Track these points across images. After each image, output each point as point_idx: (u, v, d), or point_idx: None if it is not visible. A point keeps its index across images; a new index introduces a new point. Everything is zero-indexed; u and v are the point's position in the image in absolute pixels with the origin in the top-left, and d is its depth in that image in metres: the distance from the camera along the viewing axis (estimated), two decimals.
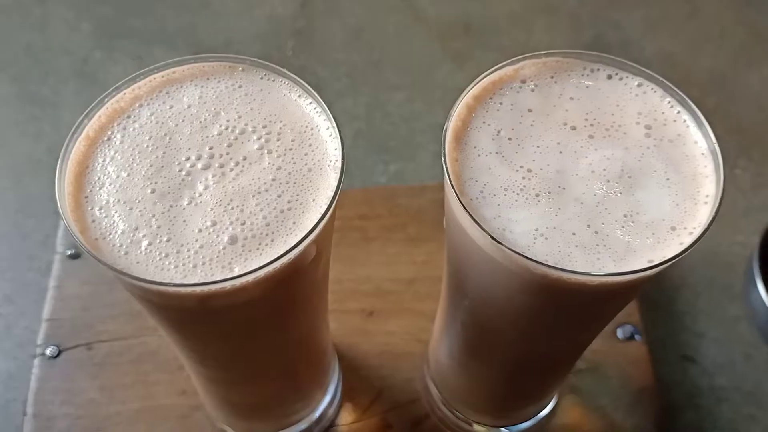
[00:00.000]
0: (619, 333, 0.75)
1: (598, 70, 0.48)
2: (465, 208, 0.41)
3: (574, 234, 0.41)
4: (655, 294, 0.83)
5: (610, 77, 0.48)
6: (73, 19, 1.10)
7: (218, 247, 0.41)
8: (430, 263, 0.80)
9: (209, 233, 0.41)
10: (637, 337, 0.75)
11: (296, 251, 0.40)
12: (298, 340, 0.54)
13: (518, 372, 0.57)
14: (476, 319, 0.52)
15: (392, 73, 1.05)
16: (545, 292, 0.42)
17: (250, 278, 0.39)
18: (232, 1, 1.12)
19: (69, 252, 0.81)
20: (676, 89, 0.46)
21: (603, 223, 0.42)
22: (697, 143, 0.45)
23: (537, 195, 0.43)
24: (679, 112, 0.46)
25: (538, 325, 0.48)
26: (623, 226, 0.42)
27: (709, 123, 0.45)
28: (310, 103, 0.47)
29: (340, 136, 0.44)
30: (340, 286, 0.79)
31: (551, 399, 0.69)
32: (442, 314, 0.60)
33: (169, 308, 0.43)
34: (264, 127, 0.45)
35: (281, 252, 0.39)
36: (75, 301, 0.79)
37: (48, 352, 0.75)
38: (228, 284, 0.39)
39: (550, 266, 0.39)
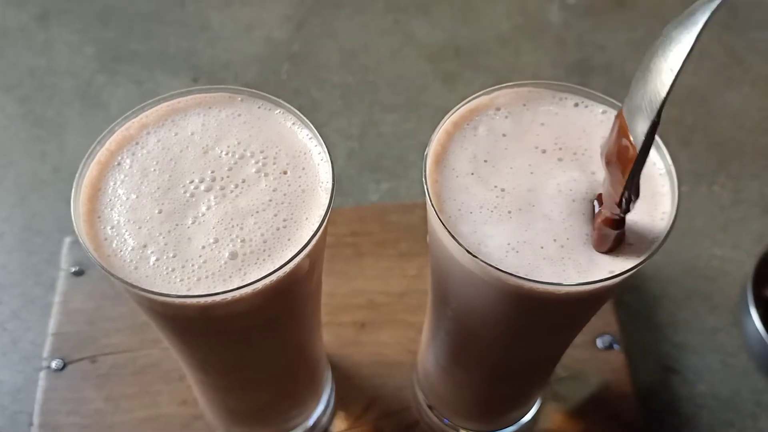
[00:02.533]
0: (599, 343, 0.79)
1: (566, 98, 0.52)
2: (444, 224, 0.45)
3: (542, 248, 0.45)
4: (636, 305, 0.87)
5: (576, 105, 0.52)
6: (77, 43, 1.14)
7: (220, 262, 0.45)
8: (421, 277, 0.84)
9: (211, 249, 0.45)
10: (615, 346, 0.79)
11: (291, 265, 0.44)
12: (293, 348, 0.57)
13: (499, 377, 0.61)
14: (459, 327, 0.56)
15: (385, 94, 1.09)
16: (518, 301, 0.46)
17: (249, 290, 0.43)
18: (230, 24, 1.16)
19: (73, 269, 0.84)
20: None
21: (568, 238, 0.46)
22: (655, 164, 0.49)
23: (509, 212, 0.47)
24: None
25: (515, 332, 0.52)
26: (586, 241, 0.46)
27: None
28: (303, 130, 0.51)
29: (331, 159, 0.48)
30: (334, 299, 0.82)
31: (533, 405, 0.72)
32: (429, 324, 0.64)
33: (175, 318, 0.47)
34: (261, 152, 0.49)
35: (277, 266, 0.43)
36: (79, 315, 0.82)
37: (53, 365, 0.78)
38: (229, 296, 0.43)
39: (520, 278, 0.43)
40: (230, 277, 0.44)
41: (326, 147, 0.49)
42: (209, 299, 0.43)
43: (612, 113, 0.51)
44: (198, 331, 0.49)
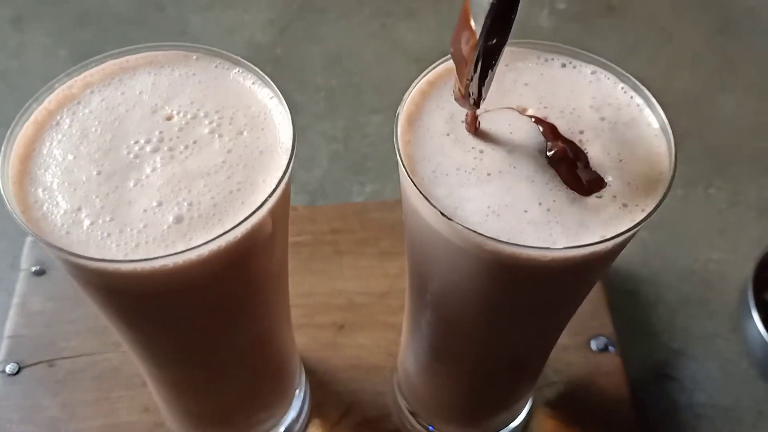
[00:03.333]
0: (593, 345, 0.74)
1: (552, 59, 0.48)
2: (416, 186, 0.41)
3: (525, 211, 0.41)
4: (631, 311, 0.83)
5: (564, 66, 0.48)
6: (51, 46, 1.11)
7: (163, 226, 0.40)
8: (403, 276, 0.79)
9: (154, 213, 0.40)
10: (611, 348, 0.74)
11: (241, 230, 0.39)
12: (255, 340, 0.52)
13: (484, 373, 0.56)
14: (439, 314, 0.51)
15: (370, 96, 1.06)
16: (500, 272, 0.41)
17: (193, 256, 0.38)
18: (211, 28, 1.13)
19: (34, 269, 0.80)
20: (629, 76, 0.47)
21: (555, 201, 0.41)
22: (650, 125, 0.45)
23: (489, 174, 0.42)
24: (632, 97, 0.46)
25: (499, 313, 0.47)
26: (575, 204, 0.41)
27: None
28: (264, 89, 0.47)
29: (292, 119, 0.44)
30: (311, 299, 0.78)
31: (522, 408, 0.67)
32: (408, 319, 0.59)
33: (115, 294, 0.42)
34: (216, 112, 0.45)
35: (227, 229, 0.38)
36: (38, 317, 0.77)
37: (8, 369, 0.73)
38: (170, 261, 0.38)
39: (501, 242, 0.38)
40: (173, 242, 0.39)
41: (288, 107, 0.45)
42: (147, 265, 0.38)
43: (603, 74, 0.47)
44: (144, 312, 0.44)
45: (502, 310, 0.47)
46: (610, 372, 0.72)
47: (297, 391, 0.67)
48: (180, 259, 0.38)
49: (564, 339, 0.72)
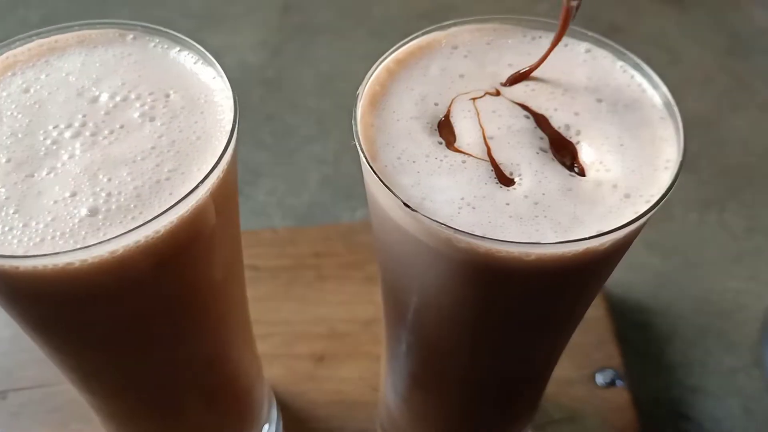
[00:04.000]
0: (599, 378, 0.67)
1: (540, 37, 0.42)
2: (376, 173, 0.34)
3: (507, 204, 0.34)
4: (642, 345, 0.77)
5: None
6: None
7: (74, 219, 0.34)
8: None
9: (65, 205, 0.34)
10: (618, 382, 0.67)
11: (163, 222, 0.33)
12: (202, 363, 0.45)
13: (471, 403, 0.49)
14: (415, 332, 0.44)
15: None
16: (478, 276, 0.35)
17: (105, 253, 0.32)
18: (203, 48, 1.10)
19: None
20: (628, 53, 0.41)
21: (544, 193, 0.34)
22: (654, 107, 0.39)
23: (464, 162, 0.36)
24: (633, 76, 0.40)
25: (482, 330, 0.40)
26: (567, 195, 0.34)
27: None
28: (207, 69, 0.41)
29: (235, 99, 0.38)
30: (289, 327, 0.73)
31: None
32: (385, 341, 0.52)
33: (22, 300, 0.36)
34: (150, 94, 0.39)
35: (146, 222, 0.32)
36: None
37: None
38: (76, 258, 0.31)
39: (476, 236, 0.32)
40: (84, 237, 0.33)
41: (232, 88, 0.39)
42: (49, 262, 0.31)
43: (599, 51, 0.41)
44: (62, 326, 0.37)
45: (484, 325, 0.40)
46: (618, 409, 0.66)
47: (266, 427, 0.60)
48: (88, 256, 0.32)
49: (567, 372, 0.66)
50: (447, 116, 0.38)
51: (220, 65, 0.40)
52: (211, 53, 0.40)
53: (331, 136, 0.99)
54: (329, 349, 0.71)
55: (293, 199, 0.91)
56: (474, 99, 0.39)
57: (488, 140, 0.37)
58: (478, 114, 0.38)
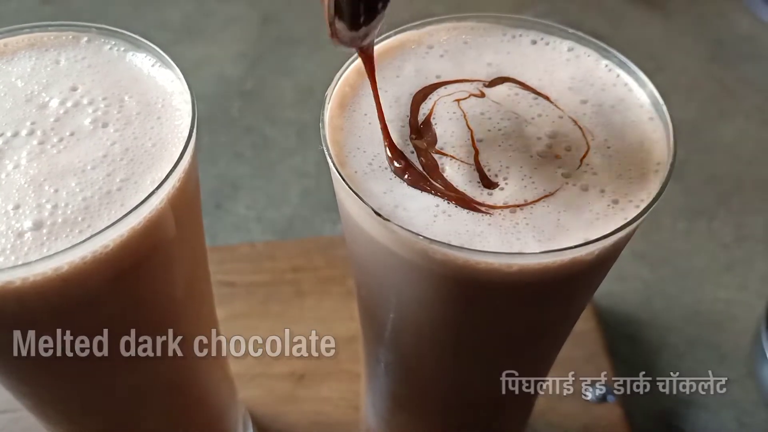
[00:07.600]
0: (589, 394, 0.65)
1: (520, 35, 0.40)
2: (344, 180, 0.32)
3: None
4: (632, 357, 0.75)
5: (534, 42, 0.40)
6: None
7: (14, 235, 0.31)
8: None
9: (8, 218, 0.31)
10: (610, 398, 0.65)
11: (111, 236, 0.30)
12: (166, 385, 0.42)
13: (453, 423, 0.46)
14: (396, 352, 0.42)
15: None
16: (457, 289, 0.32)
17: (48, 270, 0.29)
18: (180, 61, 1.07)
19: None
20: (613, 51, 0.39)
21: (526, 200, 0.32)
22: (642, 107, 0.37)
23: (442, 167, 0.33)
24: (618, 75, 0.38)
25: (462, 347, 0.38)
26: (551, 201, 0.32)
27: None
28: (166, 72, 0.38)
29: (193, 102, 0.35)
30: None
31: None
32: (364, 359, 0.49)
33: None
34: (104, 99, 0.37)
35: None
36: None
37: None
38: (16, 276, 0.29)
39: (452, 246, 0.29)
40: (26, 254, 0.30)
41: (192, 92, 0.36)
42: None
43: (582, 50, 0.39)
44: (6, 349, 0.34)
45: (465, 342, 0.37)
46: (610, 425, 0.64)
47: None
48: (30, 274, 0.29)
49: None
50: (429, 117, 0.35)
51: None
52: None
53: (312, 148, 0.98)
54: (309, 368, 0.69)
55: (273, 212, 0.89)
56: (458, 100, 0.36)
57: (468, 143, 0.34)
58: (465, 116, 0.35)
